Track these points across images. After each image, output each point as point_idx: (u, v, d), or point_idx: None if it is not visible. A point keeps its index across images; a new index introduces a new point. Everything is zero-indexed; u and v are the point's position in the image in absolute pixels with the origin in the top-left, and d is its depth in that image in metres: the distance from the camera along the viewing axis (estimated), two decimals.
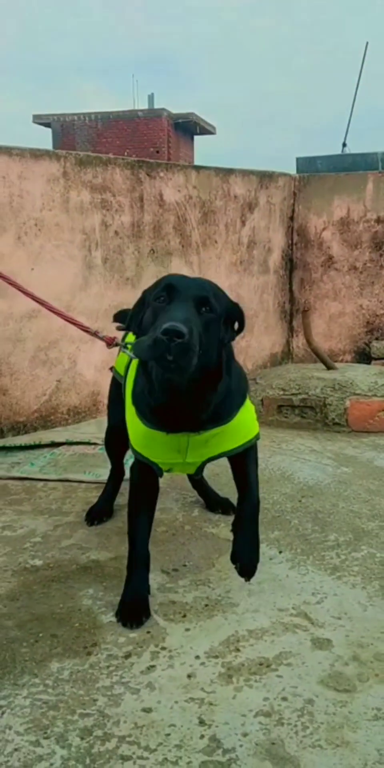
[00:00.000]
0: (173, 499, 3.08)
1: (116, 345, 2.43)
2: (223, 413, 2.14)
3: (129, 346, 2.31)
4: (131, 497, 2.30)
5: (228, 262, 5.34)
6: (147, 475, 2.25)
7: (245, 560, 2.23)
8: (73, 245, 4.25)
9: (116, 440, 2.83)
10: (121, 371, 2.56)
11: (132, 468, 2.29)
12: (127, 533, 2.29)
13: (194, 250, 5.03)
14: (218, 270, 5.21)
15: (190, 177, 4.96)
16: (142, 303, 2.07)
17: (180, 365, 1.78)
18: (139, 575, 2.22)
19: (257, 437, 2.34)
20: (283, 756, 1.58)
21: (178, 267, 4.88)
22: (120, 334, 2.54)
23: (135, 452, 2.21)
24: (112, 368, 2.76)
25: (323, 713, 1.72)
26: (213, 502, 3.02)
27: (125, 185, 4.51)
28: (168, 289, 1.93)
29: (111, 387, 2.84)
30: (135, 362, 2.29)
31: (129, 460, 3.58)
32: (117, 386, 2.68)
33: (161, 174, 4.75)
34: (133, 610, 2.14)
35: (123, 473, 3.02)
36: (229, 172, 5.33)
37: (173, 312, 1.83)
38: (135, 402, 2.19)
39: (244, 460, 2.34)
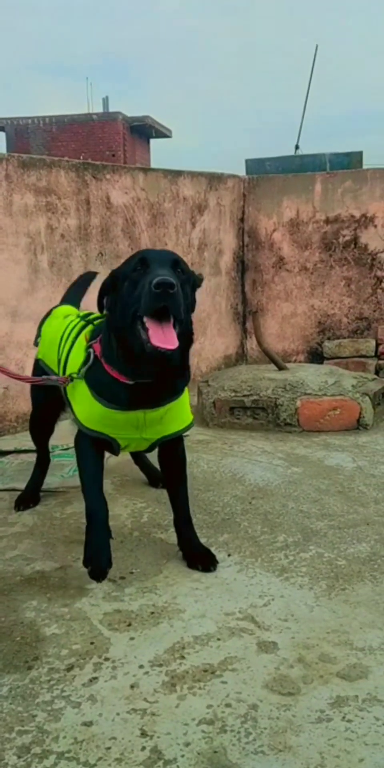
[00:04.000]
0: (122, 505, 3.04)
1: (72, 380, 2.47)
2: (178, 387, 2.37)
3: (82, 371, 2.41)
4: (81, 463, 2.45)
5: None
6: (95, 445, 2.42)
7: (206, 560, 2.46)
8: (18, 249, 4.18)
9: (40, 422, 3.06)
10: (53, 365, 2.73)
11: (76, 442, 2.47)
12: (84, 492, 2.42)
13: None
14: None
15: (137, 179, 4.92)
16: (113, 282, 2.26)
17: (176, 307, 2.09)
18: (99, 524, 2.36)
19: (193, 423, 2.54)
20: (225, 764, 1.56)
21: None
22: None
23: (91, 432, 2.37)
24: (36, 360, 2.93)
25: (267, 718, 1.70)
26: (154, 478, 3.24)
27: (71, 188, 4.45)
28: (143, 261, 2.16)
29: (33, 374, 2.97)
30: (78, 354, 2.49)
31: (60, 454, 3.57)
32: (40, 373, 2.84)
33: (108, 176, 4.70)
34: (100, 561, 2.29)
35: (48, 459, 3.18)
36: (178, 174, 5.31)
37: (157, 270, 2.08)
38: (92, 386, 2.35)
39: (178, 449, 2.54)
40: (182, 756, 1.58)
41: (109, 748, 1.61)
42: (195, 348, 5.81)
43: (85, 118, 26.12)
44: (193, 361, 5.70)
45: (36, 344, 2.97)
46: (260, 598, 2.27)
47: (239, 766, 1.55)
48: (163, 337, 2.07)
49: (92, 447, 2.42)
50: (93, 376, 2.37)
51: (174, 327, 2.12)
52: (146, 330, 2.10)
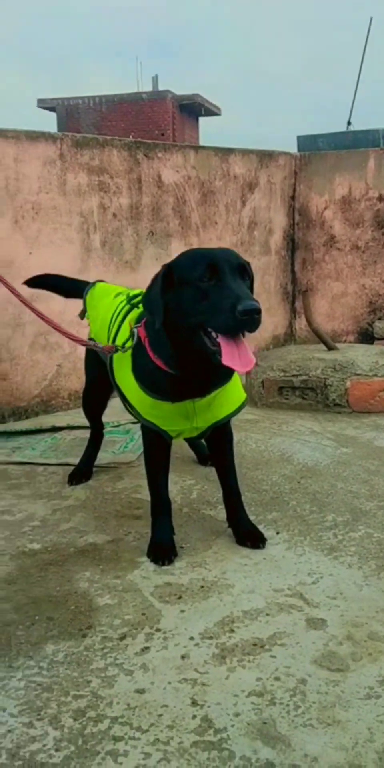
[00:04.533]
0: (172, 482, 3.04)
1: (117, 351, 2.48)
2: (225, 375, 2.33)
3: (128, 344, 2.41)
4: (146, 455, 2.51)
5: (228, 243, 5.31)
6: (157, 435, 2.41)
7: (254, 537, 2.49)
8: (71, 228, 4.24)
9: (93, 397, 3.11)
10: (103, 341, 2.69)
11: (142, 430, 2.47)
12: (148, 486, 2.51)
13: (194, 231, 5.00)
14: None
15: (188, 157, 4.93)
16: (167, 279, 2.16)
17: (256, 329, 2.03)
18: (163, 520, 2.48)
19: (246, 401, 2.52)
20: (274, 735, 1.59)
21: (178, 249, 4.84)
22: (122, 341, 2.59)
23: (145, 421, 2.38)
24: (89, 339, 2.93)
25: (315, 693, 1.73)
26: (203, 456, 3.28)
27: (123, 167, 4.48)
28: (212, 268, 2.06)
29: (86, 353, 3.05)
30: (123, 339, 2.47)
31: (112, 431, 3.65)
32: (92, 353, 2.91)
33: (159, 155, 4.72)
34: (162, 550, 2.39)
35: (102, 435, 3.23)
36: (229, 151, 5.29)
37: (237, 290, 2.02)
38: (139, 378, 2.35)
39: (225, 429, 2.52)
40: (232, 726, 1.61)
41: (160, 715, 1.65)
42: None
43: (135, 98, 26.16)
44: None
45: (82, 317, 3.00)
46: (309, 575, 2.28)
47: (288, 737, 1.58)
48: (238, 357, 2.04)
49: (155, 439, 2.43)
50: (137, 361, 2.36)
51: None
52: (213, 340, 2.07)
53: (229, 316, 1.99)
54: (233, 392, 2.45)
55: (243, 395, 2.51)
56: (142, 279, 4.37)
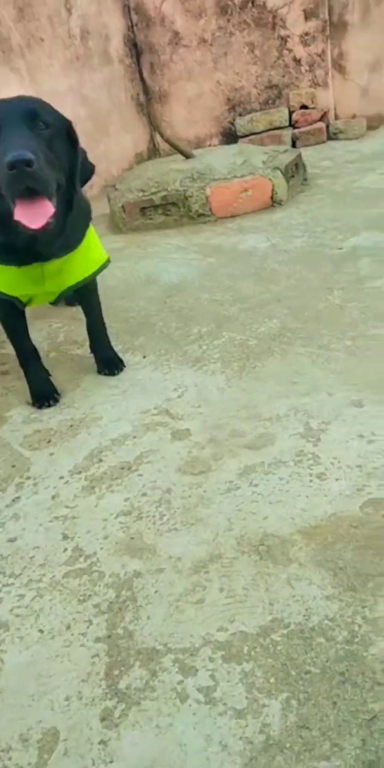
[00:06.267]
0: (36, 329, 3.01)
1: None
2: (72, 240, 2.19)
3: None
4: (1, 323, 2.42)
5: (62, 60, 4.89)
6: (9, 302, 2.29)
7: (110, 364, 2.54)
8: None
9: None
10: None
11: None
12: (10, 343, 2.46)
13: (18, 54, 4.56)
14: (53, 71, 4.77)
15: None
16: None
17: (43, 184, 1.81)
18: (34, 366, 2.46)
19: (108, 262, 2.42)
20: (140, 547, 1.67)
21: (3, 75, 4.43)
22: None
23: None
24: None
25: (180, 498, 1.81)
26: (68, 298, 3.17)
27: None
28: None
29: None
30: None
31: None
32: None
33: None
34: (43, 393, 2.43)
35: None
36: None
37: (10, 141, 1.78)
38: None
39: (90, 289, 2.44)
40: (101, 548, 1.69)
41: (32, 557, 1.71)
42: (100, 150, 5.45)
43: None
44: (102, 165, 5.45)
45: None
46: (174, 391, 2.33)
47: (154, 545, 1.67)
48: (31, 212, 1.83)
49: (8, 306, 2.30)
50: None
51: (50, 196, 1.87)
52: (14, 203, 1.85)
53: (3, 174, 1.77)
54: (90, 256, 2.31)
55: (104, 257, 2.38)
56: None
